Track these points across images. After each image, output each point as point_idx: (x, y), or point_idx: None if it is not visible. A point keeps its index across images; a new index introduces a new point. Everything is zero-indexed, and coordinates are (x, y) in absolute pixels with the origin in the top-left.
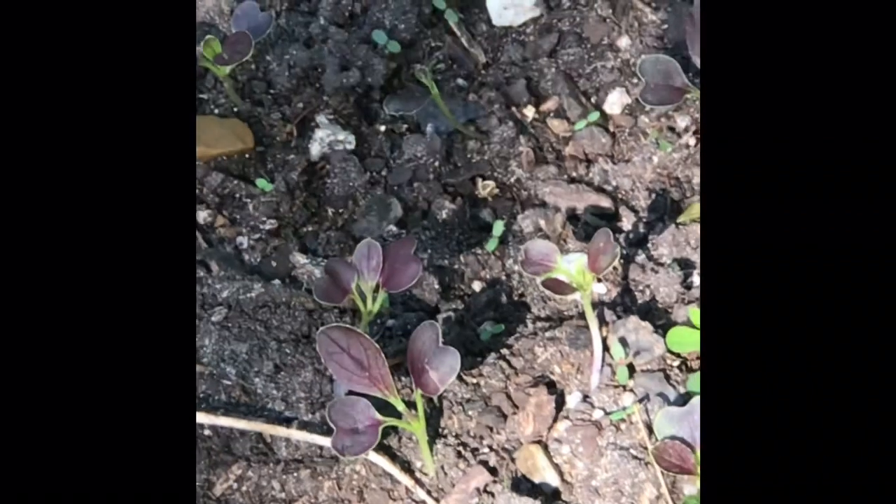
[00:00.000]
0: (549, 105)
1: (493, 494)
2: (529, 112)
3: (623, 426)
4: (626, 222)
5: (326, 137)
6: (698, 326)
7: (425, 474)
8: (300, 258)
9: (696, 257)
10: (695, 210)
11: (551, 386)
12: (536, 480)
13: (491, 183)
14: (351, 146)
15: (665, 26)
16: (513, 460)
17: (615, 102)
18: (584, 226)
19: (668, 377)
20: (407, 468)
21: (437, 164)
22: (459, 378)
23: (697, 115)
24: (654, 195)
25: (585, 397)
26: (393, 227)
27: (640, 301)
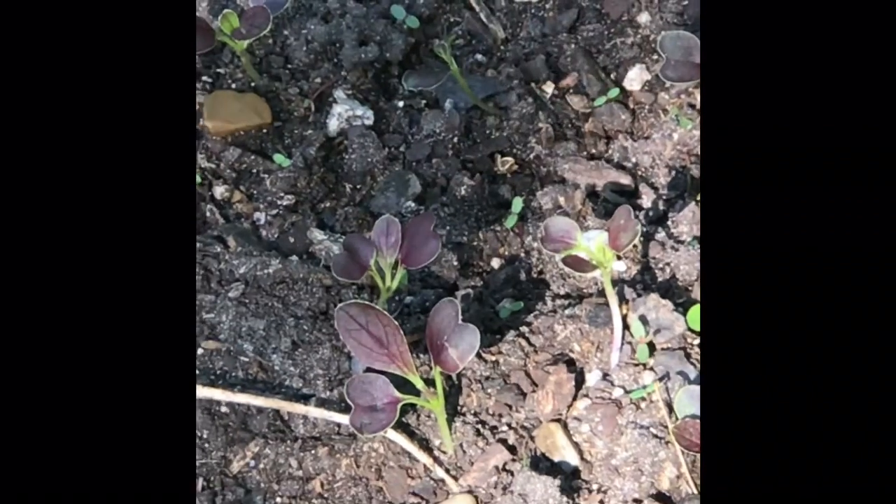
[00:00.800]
0: (569, 81)
1: (511, 473)
2: (549, 88)
3: (643, 405)
4: (646, 199)
5: (344, 113)
6: None
7: (444, 452)
8: (318, 234)
9: None
10: None
11: (571, 364)
12: (556, 459)
13: (510, 159)
14: (369, 122)
15: (685, 2)
16: (532, 439)
17: (635, 79)
18: (604, 203)
19: (688, 355)
20: (425, 446)
21: (455, 140)
22: (478, 356)
23: None
24: (673, 172)
25: (605, 375)
26: (411, 204)
27: (660, 279)
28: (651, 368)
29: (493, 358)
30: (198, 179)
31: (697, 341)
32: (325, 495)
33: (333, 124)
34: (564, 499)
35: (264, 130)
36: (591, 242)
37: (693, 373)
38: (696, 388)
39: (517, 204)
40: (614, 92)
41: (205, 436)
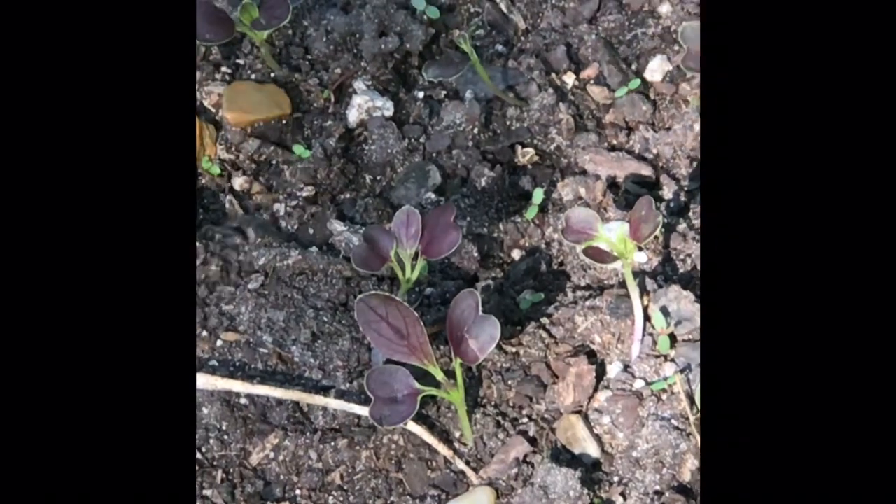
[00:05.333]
0: (590, 72)
1: (532, 465)
2: (569, 79)
3: (664, 396)
4: (667, 191)
5: (364, 104)
6: None
7: (464, 444)
8: (337, 225)
9: None
10: None
11: (592, 355)
12: (576, 451)
13: (530, 150)
14: (389, 112)
15: None
16: (552, 430)
17: (656, 69)
18: (625, 194)
19: None
20: (445, 438)
21: (476, 130)
22: (499, 347)
23: None
24: (695, 163)
25: (626, 367)
26: (431, 195)
27: (681, 270)
28: (672, 360)
29: (514, 349)
30: (217, 171)
31: None
32: (345, 487)
33: (353, 115)
34: (585, 491)
35: (284, 121)
36: (612, 233)
37: None
38: None
39: (538, 195)
40: (635, 83)
41: (224, 428)
